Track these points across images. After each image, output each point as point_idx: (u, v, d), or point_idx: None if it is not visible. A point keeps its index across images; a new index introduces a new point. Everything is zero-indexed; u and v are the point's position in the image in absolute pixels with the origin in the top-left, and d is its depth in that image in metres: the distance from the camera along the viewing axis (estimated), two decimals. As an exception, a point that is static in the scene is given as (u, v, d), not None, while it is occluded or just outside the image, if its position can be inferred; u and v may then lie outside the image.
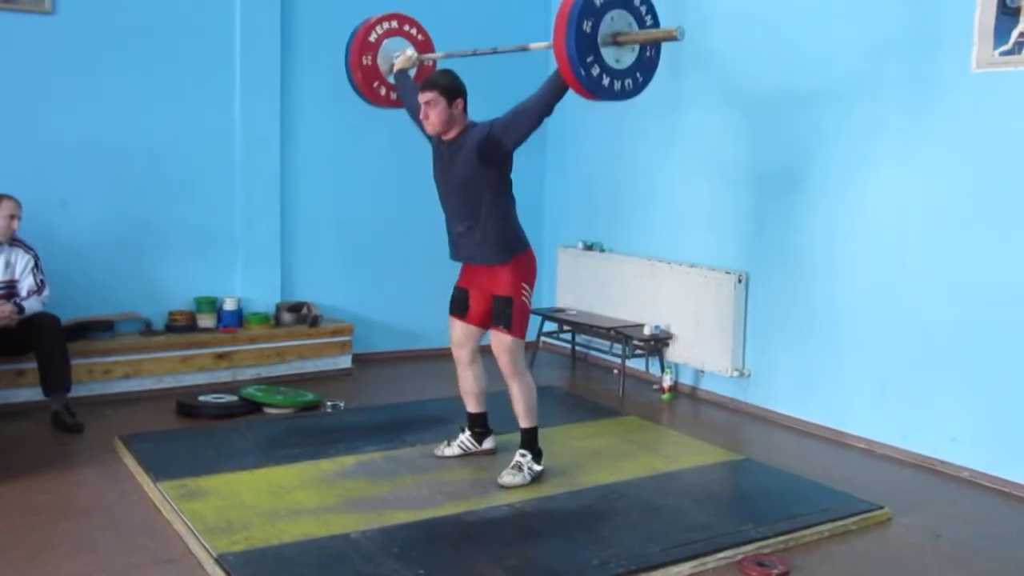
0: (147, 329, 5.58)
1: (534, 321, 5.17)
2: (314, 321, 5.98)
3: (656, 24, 3.82)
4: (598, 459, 4.44)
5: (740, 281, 5.41)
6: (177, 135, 5.68)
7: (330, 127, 6.19)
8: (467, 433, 4.41)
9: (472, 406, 4.38)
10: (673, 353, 5.82)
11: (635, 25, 3.75)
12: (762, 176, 5.36)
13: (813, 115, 5.02)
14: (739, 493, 4.26)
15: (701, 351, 5.63)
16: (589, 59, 3.61)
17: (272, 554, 3.30)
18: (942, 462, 4.50)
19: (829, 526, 3.72)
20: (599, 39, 3.64)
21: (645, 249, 6.16)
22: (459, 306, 4.25)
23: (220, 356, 5.62)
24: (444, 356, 6.34)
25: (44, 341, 4.70)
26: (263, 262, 6.00)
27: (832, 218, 4.97)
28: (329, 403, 5.25)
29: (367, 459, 4.33)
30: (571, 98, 3.91)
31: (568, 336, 6.64)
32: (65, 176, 5.37)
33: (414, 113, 4.18)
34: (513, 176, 4.06)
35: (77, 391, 4.95)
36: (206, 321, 5.72)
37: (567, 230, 6.85)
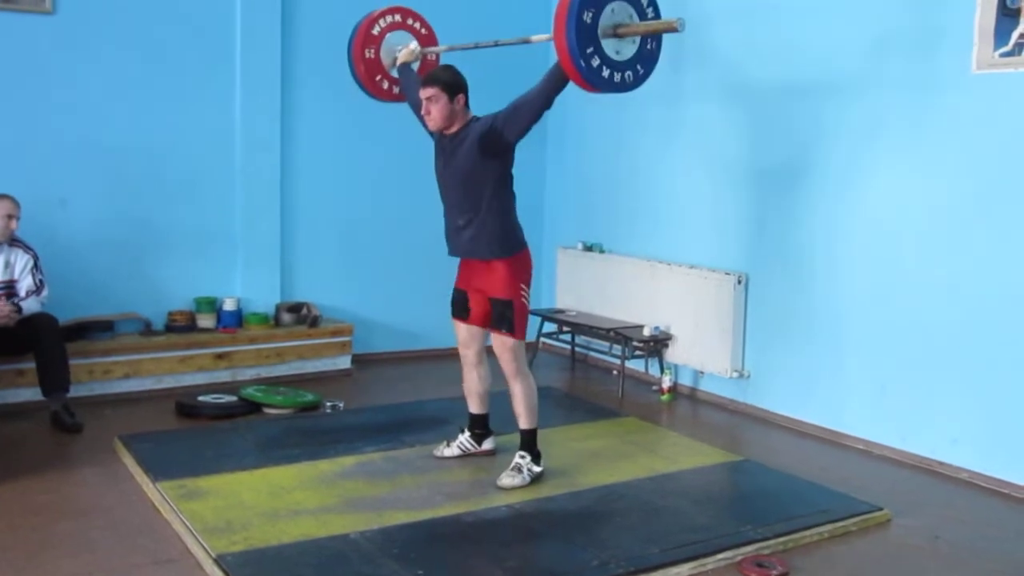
0: (147, 329, 5.58)
1: (534, 322, 5.17)
2: (314, 321, 5.98)
3: (657, 16, 3.81)
4: (597, 460, 4.44)
5: (740, 282, 5.41)
6: (177, 135, 5.68)
7: (330, 127, 6.19)
8: (467, 434, 4.41)
9: (474, 407, 4.38)
10: (673, 354, 5.82)
11: (636, 17, 3.73)
12: (762, 173, 5.36)
13: (813, 112, 5.03)
14: (738, 494, 4.26)
15: (701, 352, 5.64)
16: (589, 50, 3.60)
17: (271, 554, 3.30)
18: (941, 463, 4.51)
19: (828, 527, 3.72)
20: (599, 31, 3.63)
21: (645, 250, 6.16)
22: (460, 308, 4.26)
23: (220, 356, 5.62)
24: (444, 357, 6.41)
25: (42, 341, 4.70)
26: (263, 262, 6.00)
27: (832, 218, 4.97)
28: (328, 404, 5.25)
29: (366, 459, 4.33)
30: (571, 92, 3.91)
31: (568, 337, 6.64)
32: (65, 176, 5.37)
33: (416, 108, 4.18)
34: (513, 175, 4.06)
35: (77, 391, 4.95)
36: (206, 321, 5.72)
37: (567, 231, 6.85)
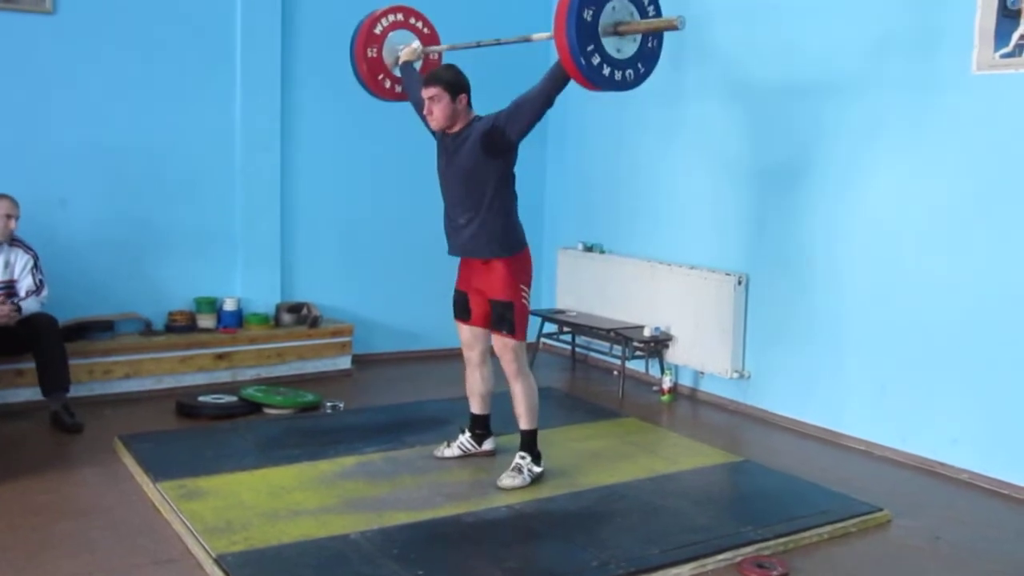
0: (147, 329, 5.58)
1: (534, 322, 5.17)
2: (314, 322, 5.98)
3: (658, 14, 3.80)
4: (598, 460, 4.43)
5: (740, 283, 5.41)
6: (177, 135, 5.68)
7: (330, 127, 6.19)
8: (467, 434, 4.41)
9: (476, 407, 4.38)
10: (673, 355, 5.82)
11: (637, 15, 3.73)
12: (763, 173, 5.36)
13: (814, 112, 5.03)
14: (739, 495, 4.26)
15: (701, 353, 5.63)
16: (590, 48, 3.60)
17: (271, 555, 3.30)
18: (941, 464, 4.50)
19: (828, 528, 3.72)
20: (600, 28, 3.62)
21: (645, 250, 6.16)
22: (461, 310, 4.26)
23: (220, 356, 5.62)
24: (444, 357, 6.42)
25: (42, 342, 4.70)
26: (263, 262, 6.00)
27: (832, 219, 4.97)
28: (329, 404, 5.24)
29: (367, 460, 4.33)
30: (572, 92, 3.91)
31: (568, 337, 6.64)
32: (65, 176, 5.37)
33: (419, 107, 4.18)
34: (515, 175, 4.06)
35: (77, 391, 4.95)
36: (206, 321, 5.72)
37: (567, 231, 6.85)
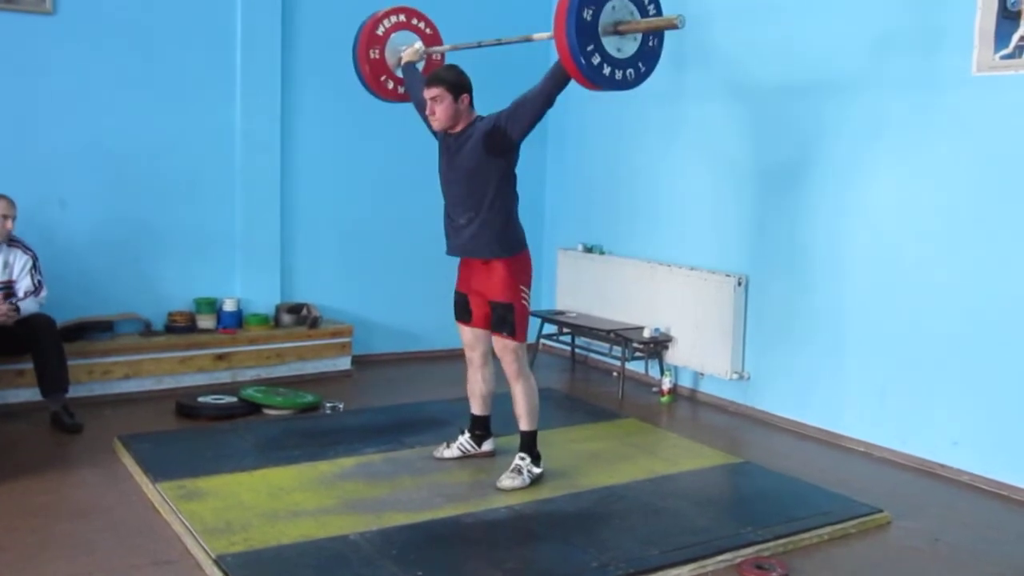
0: (147, 330, 5.58)
1: (534, 323, 5.17)
2: (314, 323, 5.98)
3: (659, 13, 3.80)
4: (597, 461, 4.43)
5: (740, 284, 5.41)
6: (177, 136, 5.68)
7: (331, 128, 6.19)
8: (467, 435, 4.41)
9: (477, 408, 4.38)
10: (673, 356, 5.82)
11: (637, 14, 3.72)
12: (763, 173, 5.36)
13: (814, 112, 5.03)
14: (738, 496, 4.26)
15: (701, 354, 5.63)
16: (590, 48, 3.60)
17: (271, 555, 3.29)
18: (941, 465, 4.50)
19: (828, 529, 3.71)
20: (600, 28, 3.62)
21: (645, 251, 6.16)
22: (462, 311, 4.26)
23: (219, 357, 5.62)
24: (444, 358, 6.42)
25: (40, 342, 4.69)
26: (263, 263, 6.00)
27: (832, 220, 4.97)
28: (328, 405, 5.24)
29: (366, 461, 4.33)
30: (572, 92, 3.91)
31: (568, 338, 6.64)
32: (65, 176, 5.37)
33: (421, 107, 4.18)
34: (516, 175, 4.06)
35: (76, 391, 4.95)
36: (206, 322, 5.72)
37: (567, 232, 6.85)
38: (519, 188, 4.09)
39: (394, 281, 6.49)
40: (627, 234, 6.35)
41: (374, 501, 3.83)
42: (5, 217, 4.71)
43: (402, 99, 4.66)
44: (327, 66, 5.96)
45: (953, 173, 4.43)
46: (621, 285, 6.18)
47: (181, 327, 5.62)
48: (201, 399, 5.13)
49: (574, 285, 6.61)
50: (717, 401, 5.68)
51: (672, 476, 4.29)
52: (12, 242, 4.81)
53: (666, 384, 5.71)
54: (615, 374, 6.01)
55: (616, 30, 3.68)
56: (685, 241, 5.89)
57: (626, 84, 3.79)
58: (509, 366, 4.08)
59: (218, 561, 3.21)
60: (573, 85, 3.75)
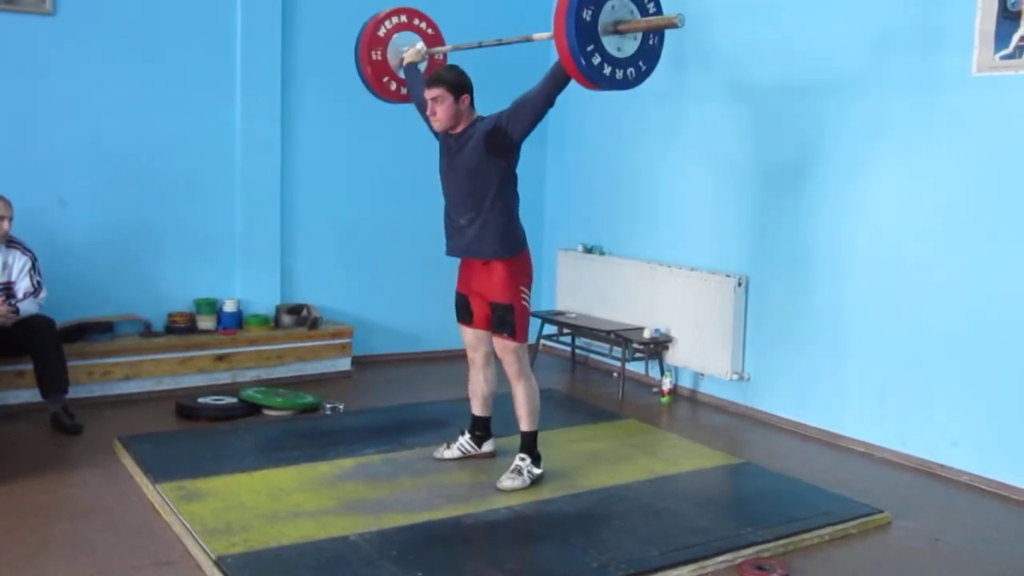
0: (147, 331, 5.58)
1: (534, 324, 5.16)
2: (314, 323, 5.98)
3: (659, 11, 3.80)
4: (597, 462, 4.43)
5: (740, 284, 5.41)
6: (177, 136, 5.68)
7: (331, 128, 6.19)
8: (467, 436, 4.41)
9: (478, 409, 4.38)
10: (673, 356, 5.82)
11: (637, 13, 3.72)
12: (763, 174, 5.36)
13: (814, 112, 5.02)
14: (738, 497, 4.26)
15: (701, 354, 5.63)
16: (590, 48, 3.59)
17: (271, 556, 3.29)
18: (941, 466, 4.50)
19: (829, 530, 3.71)
20: (600, 27, 3.61)
21: (645, 252, 6.16)
22: (463, 312, 4.25)
23: (220, 358, 5.62)
24: (444, 359, 6.42)
25: (39, 343, 4.69)
26: (263, 264, 6.00)
27: (832, 220, 4.97)
28: (328, 405, 5.24)
29: (366, 461, 4.33)
30: (572, 92, 3.91)
31: (568, 339, 6.64)
32: (65, 177, 5.37)
33: (422, 108, 4.18)
34: (517, 175, 4.06)
35: (76, 392, 4.95)
36: (206, 323, 5.72)
37: (567, 233, 6.85)
38: (519, 188, 4.09)
39: (394, 282, 6.49)
40: (627, 234, 6.35)
41: (374, 502, 3.83)
42: (2, 218, 4.70)
43: (405, 100, 4.66)
44: (327, 66, 5.96)
45: (953, 173, 4.43)
46: (621, 286, 6.18)
47: (181, 328, 5.62)
48: (201, 400, 5.13)
49: (574, 286, 6.61)
50: (717, 401, 5.67)
51: (672, 477, 4.29)
52: (11, 243, 4.81)
53: (666, 384, 5.71)
54: (615, 375, 6.01)
55: (616, 29, 3.67)
56: (685, 241, 5.89)
57: (627, 83, 3.79)
58: (510, 367, 4.08)
59: (218, 562, 3.21)
60: (573, 85, 3.75)
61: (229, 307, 5.80)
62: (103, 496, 3.89)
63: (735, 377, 5.46)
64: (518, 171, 4.05)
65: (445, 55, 4.73)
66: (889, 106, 4.68)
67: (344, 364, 6.08)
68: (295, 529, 3.52)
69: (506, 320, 4.02)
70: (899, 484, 4.38)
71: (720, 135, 5.63)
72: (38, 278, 4.84)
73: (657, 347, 5.80)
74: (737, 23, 5.49)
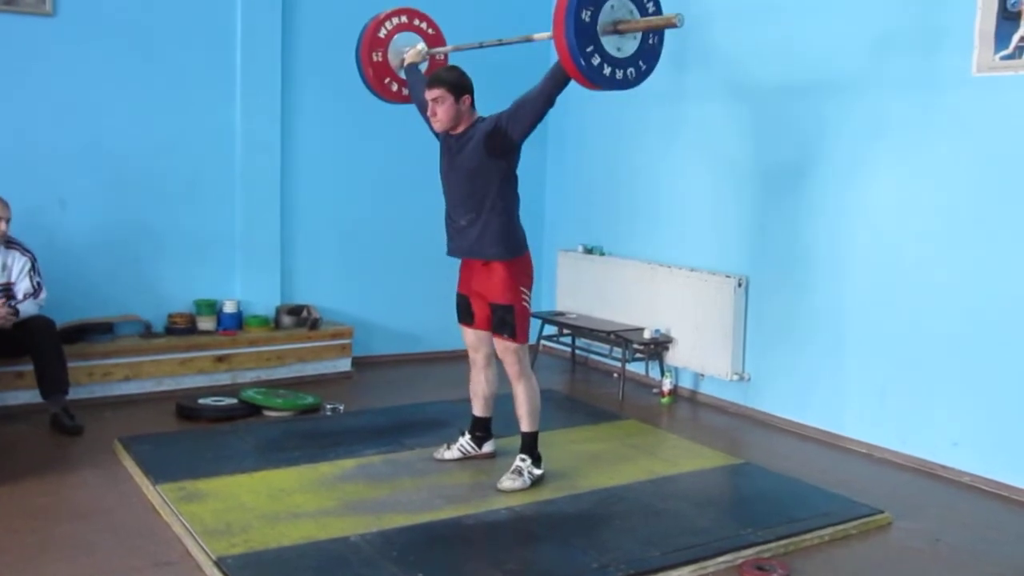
0: (147, 331, 5.58)
1: (534, 324, 5.16)
2: (314, 324, 5.98)
3: (658, 11, 3.79)
4: (598, 463, 4.43)
5: (740, 285, 5.41)
6: (177, 137, 5.68)
7: (331, 129, 6.19)
8: (467, 436, 4.40)
9: (479, 409, 4.38)
10: (673, 357, 5.82)
11: (636, 12, 3.72)
12: (763, 174, 5.36)
13: (814, 112, 5.02)
14: (739, 497, 4.26)
15: (701, 355, 5.63)
16: (589, 49, 3.59)
17: (271, 557, 3.29)
18: (942, 466, 4.50)
19: (829, 530, 3.71)
20: (599, 28, 3.61)
21: (645, 253, 6.16)
22: (464, 313, 4.25)
23: (220, 359, 5.62)
24: (444, 359, 6.42)
25: (39, 344, 4.68)
26: (263, 265, 6.00)
27: (832, 220, 4.97)
28: (328, 406, 5.24)
29: (366, 462, 4.33)
30: (572, 93, 3.91)
31: (568, 340, 6.64)
32: (65, 178, 5.37)
33: (423, 108, 4.18)
34: (518, 176, 4.06)
35: (77, 393, 4.95)
36: (206, 324, 5.72)
37: (567, 234, 6.85)
38: (519, 189, 4.09)
39: (394, 282, 6.49)
40: (627, 235, 6.35)
41: (374, 502, 3.83)
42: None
43: (406, 100, 4.65)
44: (327, 66, 5.96)
45: (953, 173, 4.43)
46: (621, 286, 6.18)
47: (181, 329, 5.62)
48: (201, 401, 5.13)
49: (574, 286, 6.61)
50: (717, 402, 5.67)
51: (672, 477, 4.29)
52: (10, 244, 4.80)
53: (666, 385, 5.71)
54: (615, 375, 6.01)
55: (615, 29, 3.67)
56: (685, 242, 5.89)
57: (627, 83, 3.78)
58: (511, 367, 4.08)
59: (218, 563, 3.21)
60: (573, 85, 3.75)
61: (229, 308, 5.80)
62: (103, 497, 3.89)
63: (735, 377, 5.46)
64: (518, 172, 4.05)
65: (446, 55, 4.73)
66: (889, 106, 4.68)
67: (344, 365, 6.08)
68: (295, 530, 3.52)
69: (506, 321, 4.03)
70: (899, 484, 4.38)
71: (720, 135, 5.63)
72: (38, 279, 4.84)
73: (657, 348, 5.80)
74: (737, 23, 5.49)
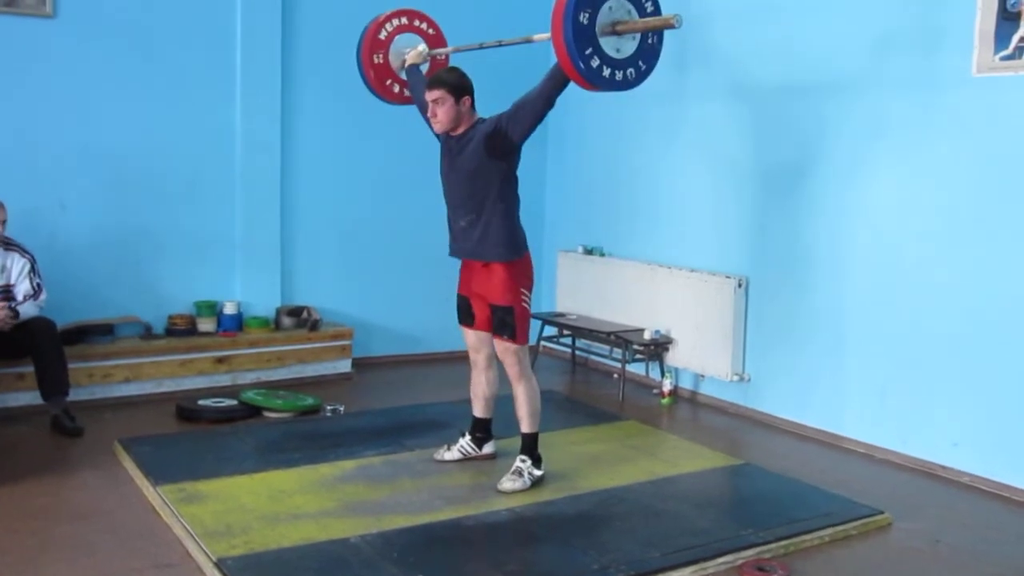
0: (147, 333, 5.58)
1: (534, 325, 5.16)
2: (314, 325, 5.98)
3: (657, 11, 3.79)
4: (598, 464, 4.43)
5: (740, 285, 5.41)
6: (177, 137, 5.68)
7: (331, 128, 6.19)
8: (467, 437, 4.40)
9: (479, 410, 4.38)
10: (673, 357, 5.82)
11: (635, 13, 3.71)
12: (763, 174, 5.36)
13: (814, 112, 5.02)
14: (739, 498, 4.26)
15: (701, 355, 5.63)
16: (588, 51, 3.58)
17: (271, 558, 3.29)
18: (942, 467, 4.50)
19: (829, 531, 3.71)
20: (597, 29, 3.61)
21: (645, 253, 6.16)
22: (465, 315, 4.25)
23: (220, 360, 5.62)
24: (444, 360, 6.42)
25: (39, 346, 4.68)
26: (263, 266, 5.99)
27: (832, 220, 4.97)
28: (329, 407, 5.24)
29: (367, 463, 4.33)
30: (572, 93, 3.91)
31: (568, 340, 6.64)
32: (65, 179, 5.37)
33: (423, 109, 4.18)
34: (518, 177, 4.06)
35: (77, 395, 4.95)
36: (206, 325, 5.72)
37: (567, 234, 6.85)
38: (520, 190, 4.09)
39: (394, 283, 6.49)
40: (627, 236, 6.35)
41: (374, 504, 3.83)
42: None
43: (408, 101, 4.65)
44: (327, 66, 5.97)
45: (953, 173, 4.43)
46: (621, 287, 6.18)
47: (181, 330, 5.62)
48: (201, 402, 5.13)
49: (574, 287, 6.61)
50: (717, 403, 5.67)
51: (673, 478, 4.29)
52: (10, 245, 4.79)
53: (666, 386, 5.71)
54: (615, 376, 6.01)
55: (614, 30, 3.67)
56: (685, 242, 5.89)
57: (627, 84, 3.78)
58: (511, 368, 4.09)
59: (219, 564, 3.21)
60: (573, 85, 3.75)
61: (229, 309, 5.80)
62: (103, 498, 3.89)
63: (735, 378, 5.46)
64: (518, 173, 4.05)
65: (447, 56, 4.72)
66: (889, 106, 4.68)
67: (344, 366, 6.08)
68: (296, 531, 3.52)
69: (506, 322, 4.03)
70: (899, 485, 4.38)
71: (720, 135, 5.63)
72: (38, 280, 4.83)
73: (657, 348, 5.80)
74: (737, 23, 5.49)
